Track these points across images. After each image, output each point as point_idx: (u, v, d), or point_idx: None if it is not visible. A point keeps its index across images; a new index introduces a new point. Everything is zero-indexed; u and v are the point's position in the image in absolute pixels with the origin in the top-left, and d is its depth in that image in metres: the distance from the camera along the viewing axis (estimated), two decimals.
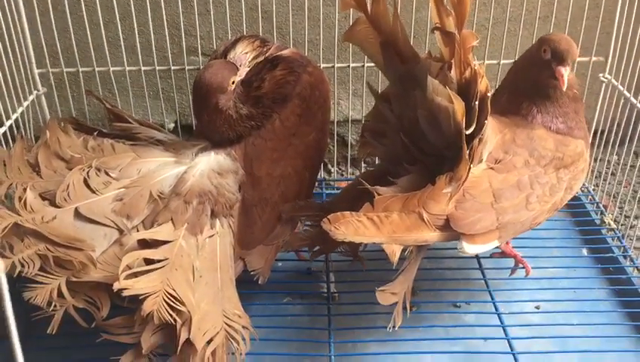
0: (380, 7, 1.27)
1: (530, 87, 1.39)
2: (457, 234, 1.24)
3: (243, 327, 1.28)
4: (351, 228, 1.16)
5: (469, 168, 1.23)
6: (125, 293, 1.15)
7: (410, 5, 1.78)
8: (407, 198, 1.22)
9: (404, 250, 1.22)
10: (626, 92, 1.76)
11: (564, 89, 1.34)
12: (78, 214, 1.24)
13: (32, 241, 1.17)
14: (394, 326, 1.29)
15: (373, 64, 1.83)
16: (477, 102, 1.16)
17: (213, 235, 1.35)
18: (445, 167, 1.25)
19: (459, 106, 1.16)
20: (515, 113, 1.39)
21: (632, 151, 1.84)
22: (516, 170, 1.30)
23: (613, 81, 1.82)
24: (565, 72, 1.32)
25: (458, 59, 1.18)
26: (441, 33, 1.20)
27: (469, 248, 1.25)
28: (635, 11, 1.71)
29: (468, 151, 1.20)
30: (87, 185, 1.28)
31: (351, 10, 1.80)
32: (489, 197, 1.26)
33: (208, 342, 1.20)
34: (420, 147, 1.30)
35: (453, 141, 1.22)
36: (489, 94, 1.17)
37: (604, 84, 1.85)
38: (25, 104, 1.71)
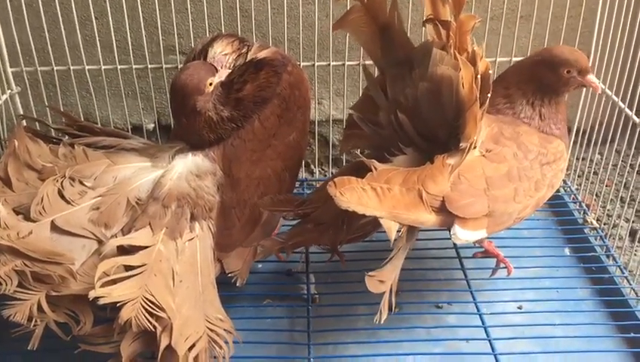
0: None
1: (533, 92, 1.42)
2: (450, 220, 1.23)
3: (226, 331, 1.27)
4: (355, 196, 1.14)
5: (478, 129, 1.23)
6: (102, 301, 1.13)
7: None
8: (407, 173, 1.22)
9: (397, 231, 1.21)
10: (607, 90, 1.75)
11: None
12: (54, 227, 1.22)
13: (9, 258, 1.15)
14: (379, 321, 1.23)
15: (354, 62, 1.84)
16: (479, 76, 1.17)
17: (192, 238, 1.33)
18: (438, 152, 1.26)
19: (467, 72, 1.17)
20: (504, 113, 1.42)
21: (615, 150, 1.83)
22: (506, 161, 1.31)
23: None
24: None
25: (454, 46, 1.19)
26: (436, 23, 1.21)
27: (462, 233, 1.23)
28: (616, 9, 1.70)
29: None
30: (62, 196, 1.25)
31: (331, 9, 1.82)
32: (482, 183, 1.27)
33: (190, 348, 1.18)
34: (414, 126, 1.31)
35: (452, 117, 1.23)
36: (490, 71, 1.19)
37: None
38: None
